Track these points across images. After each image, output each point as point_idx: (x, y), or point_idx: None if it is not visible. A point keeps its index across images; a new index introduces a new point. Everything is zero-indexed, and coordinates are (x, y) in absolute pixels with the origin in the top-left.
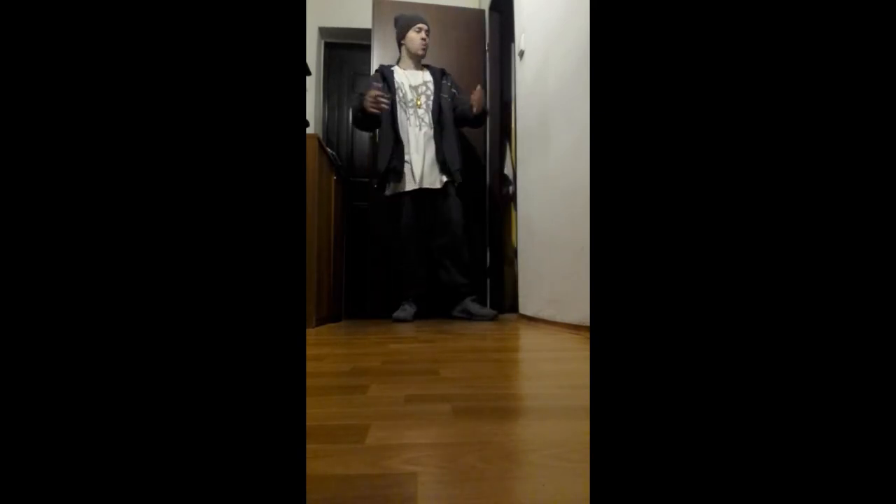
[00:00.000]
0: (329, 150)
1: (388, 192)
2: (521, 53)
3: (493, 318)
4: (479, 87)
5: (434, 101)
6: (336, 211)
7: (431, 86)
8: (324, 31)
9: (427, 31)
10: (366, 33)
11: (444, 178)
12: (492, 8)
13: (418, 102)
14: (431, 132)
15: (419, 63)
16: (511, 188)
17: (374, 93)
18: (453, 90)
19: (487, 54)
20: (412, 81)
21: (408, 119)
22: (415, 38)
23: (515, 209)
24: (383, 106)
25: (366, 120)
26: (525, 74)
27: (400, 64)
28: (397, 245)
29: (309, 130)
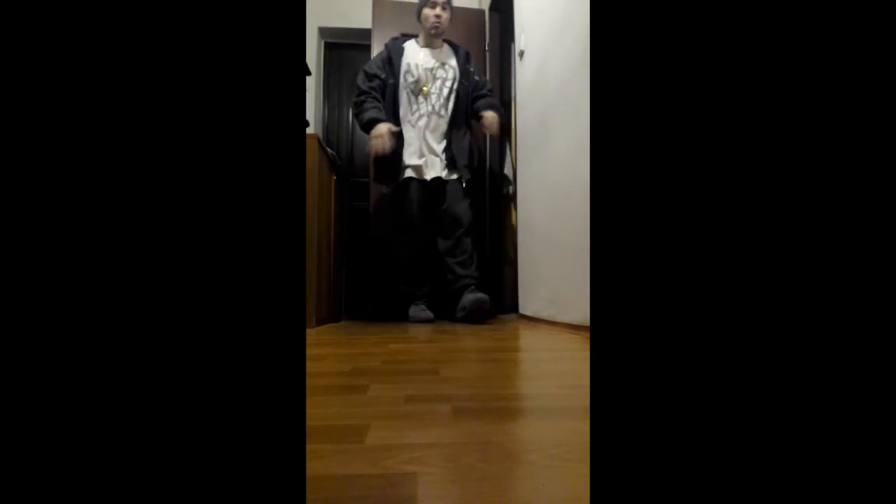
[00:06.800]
0: (329, 150)
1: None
2: (521, 53)
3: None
4: (491, 115)
5: (454, 88)
6: (336, 211)
7: (450, 71)
8: (324, 31)
9: (444, 6)
10: (366, 33)
11: (453, 175)
12: (492, 8)
13: (424, 88)
14: (441, 121)
15: (436, 41)
16: (511, 188)
17: (382, 135)
18: (476, 77)
19: (487, 54)
20: (426, 63)
21: (410, 106)
22: (428, 15)
23: (515, 209)
24: (383, 150)
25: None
26: (525, 74)
27: (418, 40)
28: (396, 238)
29: (309, 130)
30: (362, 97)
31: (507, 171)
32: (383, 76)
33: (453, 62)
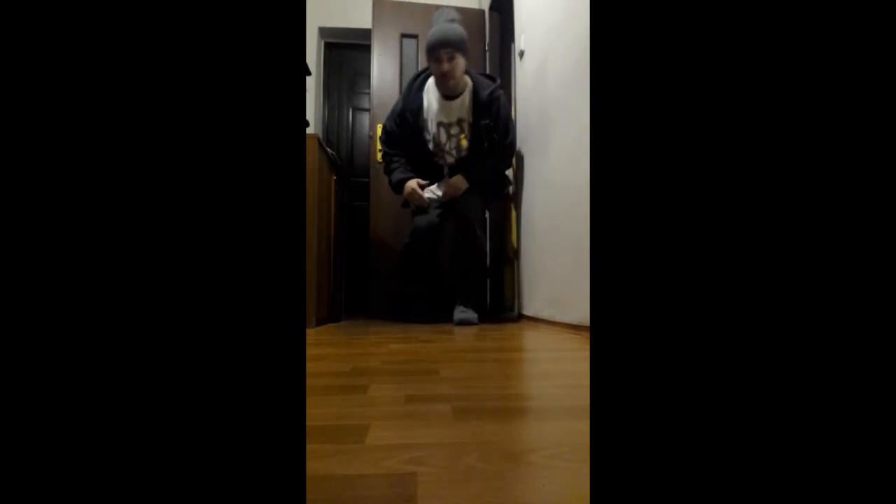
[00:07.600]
0: (329, 150)
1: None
2: (521, 53)
3: (476, 322)
4: (458, 180)
5: (469, 146)
6: (336, 211)
7: (465, 127)
8: (324, 31)
9: (450, 58)
10: (366, 33)
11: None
12: (492, 8)
13: (460, 142)
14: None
15: (451, 91)
16: (511, 188)
17: (413, 190)
18: (494, 134)
19: (487, 54)
20: (447, 117)
21: (434, 154)
22: (434, 69)
23: (515, 209)
24: (420, 203)
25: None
26: (525, 74)
27: (436, 85)
28: (408, 241)
29: (309, 130)
30: (387, 158)
31: (508, 171)
32: (398, 132)
33: (465, 115)
